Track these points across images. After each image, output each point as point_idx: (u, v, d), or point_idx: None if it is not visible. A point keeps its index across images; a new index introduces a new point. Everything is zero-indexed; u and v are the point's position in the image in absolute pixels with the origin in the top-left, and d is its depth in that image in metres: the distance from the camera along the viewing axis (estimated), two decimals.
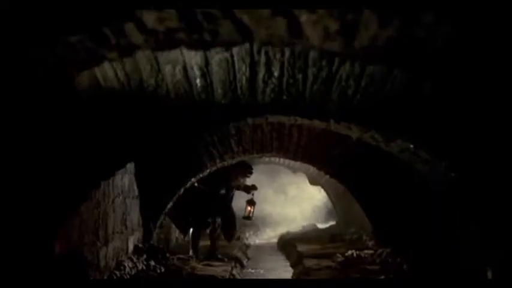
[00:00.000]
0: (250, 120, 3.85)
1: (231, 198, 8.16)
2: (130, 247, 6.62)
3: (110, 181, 5.77)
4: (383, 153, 7.00)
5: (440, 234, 5.11)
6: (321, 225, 12.70)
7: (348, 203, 10.52)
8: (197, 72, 3.40)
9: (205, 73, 3.40)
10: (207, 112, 3.57)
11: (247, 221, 8.91)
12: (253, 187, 8.19)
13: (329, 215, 13.14)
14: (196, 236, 8.06)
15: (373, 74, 3.32)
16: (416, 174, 5.92)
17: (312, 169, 11.06)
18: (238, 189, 8.20)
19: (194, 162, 7.22)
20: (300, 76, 3.40)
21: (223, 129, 6.46)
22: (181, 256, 7.69)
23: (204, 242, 9.67)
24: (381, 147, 4.08)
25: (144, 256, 6.73)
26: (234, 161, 7.46)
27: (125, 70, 3.35)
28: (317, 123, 3.89)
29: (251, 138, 7.24)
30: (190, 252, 7.88)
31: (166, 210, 7.39)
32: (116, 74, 3.35)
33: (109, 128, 3.57)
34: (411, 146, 3.54)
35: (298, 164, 11.15)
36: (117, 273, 5.80)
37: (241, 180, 8.04)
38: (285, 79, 3.41)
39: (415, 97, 3.37)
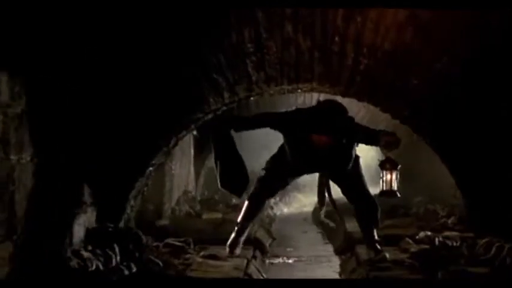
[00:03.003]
0: None
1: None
2: (79, 233, 4.33)
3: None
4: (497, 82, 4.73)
5: None
6: (371, 190, 10.31)
7: (411, 161, 8.05)
8: None
9: None
10: None
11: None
12: (391, 135, 4.68)
13: None
14: (252, 209, 5.19)
15: None
16: None
17: (362, 113, 8.67)
18: (372, 144, 4.97)
19: (189, 97, 4.90)
20: None
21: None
22: (171, 242, 5.38)
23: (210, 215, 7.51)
24: None
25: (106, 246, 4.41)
26: (252, 94, 5.07)
27: None
28: None
29: (279, 59, 4.89)
30: (229, 242, 5.17)
31: (149, 171, 5.05)
32: None
33: None
34: None
35: (344, 104, 8.68)
36: None
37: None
38: None
39: None
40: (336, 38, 4.74)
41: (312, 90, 5.36)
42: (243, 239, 5.15)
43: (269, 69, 4.88)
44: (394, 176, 4.82)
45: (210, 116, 5.04)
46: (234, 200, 8.21)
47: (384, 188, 4.87)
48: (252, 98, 5.22)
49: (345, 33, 4.73)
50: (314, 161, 4.87)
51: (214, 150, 4.83)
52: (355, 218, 5.25)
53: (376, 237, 5.03)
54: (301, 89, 5.29)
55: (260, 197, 5.14)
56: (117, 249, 4.40)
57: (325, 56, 4.84)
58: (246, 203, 5.14)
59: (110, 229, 4.63)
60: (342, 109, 4.68)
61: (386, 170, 4.81)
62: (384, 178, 4.84)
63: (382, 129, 4.86)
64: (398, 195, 4.95)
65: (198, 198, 8.60)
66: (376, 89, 4.99)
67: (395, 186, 4.85)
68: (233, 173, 4.83)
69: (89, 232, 4.48)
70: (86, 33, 4.45)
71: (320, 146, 4.67)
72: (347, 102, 8.19)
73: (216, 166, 4.86)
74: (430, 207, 7.44)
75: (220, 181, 4.89)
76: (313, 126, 4.61)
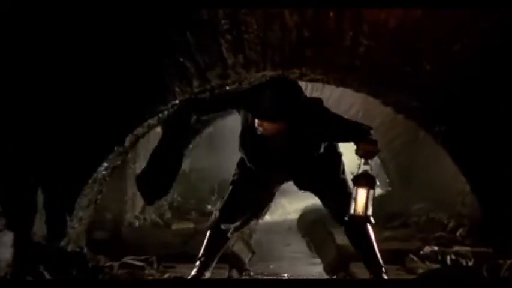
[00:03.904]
0: None
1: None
2: (5, 255, 3.69)
3: None
4: None
5: None
6: None
7: (410, 162, 8.12)
8: None
9: None
10: None
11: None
12: (372, 144, 3.86)
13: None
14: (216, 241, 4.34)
15: None
16: None
17: (356, 107, 8.23)
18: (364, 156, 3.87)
19: (148, 85, 4.20)
20: None
21: None
22: (129, 261, 4.72)
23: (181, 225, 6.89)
24: None
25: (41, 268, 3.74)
26: (227, 82, 4.38)
27: None
28: None
29: (261, 39, 4.20)
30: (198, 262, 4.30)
31: (101, 176, 4.35)
32: None
33: None
34: None
35: (334, 98, 8.07)
36: None
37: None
38: None
39: None
40: (331, 13, 4.06)
41: (301, 77, 4.65)
42: (208, 273, 4.30)
43: (248, 51, 4.21)
44: (370, 196, 3.97)
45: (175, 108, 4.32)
46: (210, 207, 7.65)
47: (355, 211, 3.99)
48: (227, 87, 4.49)
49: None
50: (265, 159, 4.01)
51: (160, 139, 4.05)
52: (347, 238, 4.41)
53: (379, 259, 4.21)
54: (287, 75, 4.57)
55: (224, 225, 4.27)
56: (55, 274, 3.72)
57: (317, 36, 4.17)
58: (208, 233, 4.26)
59: (47, 249, 3.91)
60: (292, 88, 3.80)
61: (360, 187, 3.96)
62: (357, 198, 3.97)
63: (362, 124, 4.05)
64: (373, 221, 4.15)
65: (167, 205, 7.94)
66: (378, 76, 4.29)
67: (370, 209, 4.00)
68: (157, 174, 4.00)
69: (18, 253, 3.76)
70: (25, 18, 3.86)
71: (268, 135, 3.81)
72: (339, 94, 7.63)
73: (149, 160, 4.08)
74: (433, 216, 6.96)
75: (138, 176, 4.09)
76: (255, 109, 3.77)
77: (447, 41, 4.05)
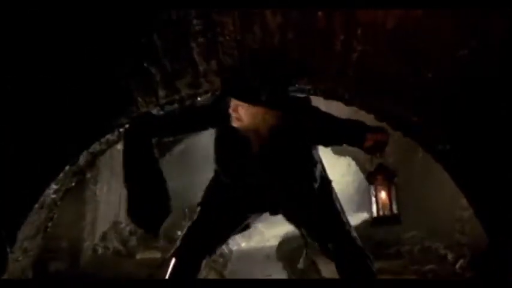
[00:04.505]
0: None
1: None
2: None
3: None
4: None
5: None
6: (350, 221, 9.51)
7: (402, 184, 7.35)
8: None
9: None
10: None
11: None
12: (381, 133, 3.50)
13: (363, 205, 9.83)
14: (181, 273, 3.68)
15: None
16: None
17: None
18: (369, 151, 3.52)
19: (106, 95, 3.74)
20: None
21: None
22: None
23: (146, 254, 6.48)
24: None
25: None
26: (198, 92, 3.89)
27: None
28: None
29: (238, 43, 3.76)
30: None
31: (50, 200, 3.89)
32: None
33: None
34: None
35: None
36: None
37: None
38: None
39: None
40: (319, 13, 3.65)
41: None
42: None
43: (223, 56, 3.78)
44: (392, 193, 3.62)
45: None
46: (180, 233, 7.23)
47: (380, 212, 3.63)
48: (199, 98, 4.03)
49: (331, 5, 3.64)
50: (244, 167, 3.47)
51: (124, 165, 3.57)
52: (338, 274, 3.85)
53: None
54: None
55: (192, 254, 3.67)
56: None
57: (303, 39, 3.75)
58: (172, 262, 3.66)
59: None
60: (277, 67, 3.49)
61: (379, 185, 3.61)
62: (377, 197, 3.62)
63: (363, 122, 3.57)
64: (400, 220, 3.76)
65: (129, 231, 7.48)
66: (373, 86, 3.86)
67: (395, 207, 3.64)
68: (148, 200, 3.53)
69: None
70: None
71: (245, 130, 3.35)
72: (325, 107, 7.22)
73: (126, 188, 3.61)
74: (428, 245, 6.57)
75: (128, 211, 3.62)
76: (231, 89, 3.36)
77: (453, 45, 3.64)
